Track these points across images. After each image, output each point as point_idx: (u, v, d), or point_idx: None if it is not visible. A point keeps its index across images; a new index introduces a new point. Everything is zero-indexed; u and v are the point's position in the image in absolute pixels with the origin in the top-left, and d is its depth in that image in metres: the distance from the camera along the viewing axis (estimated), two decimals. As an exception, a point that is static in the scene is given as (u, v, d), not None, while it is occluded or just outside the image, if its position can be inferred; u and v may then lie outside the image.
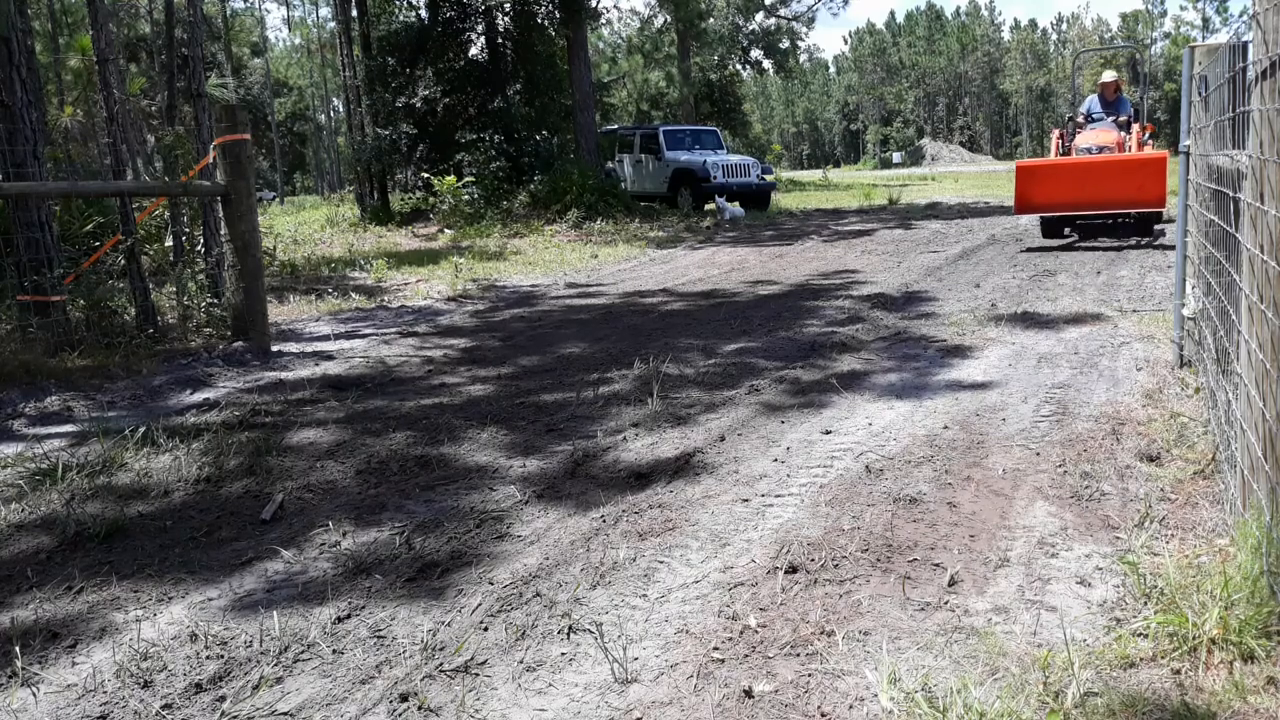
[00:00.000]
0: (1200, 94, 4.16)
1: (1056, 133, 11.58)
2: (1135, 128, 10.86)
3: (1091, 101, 11.45)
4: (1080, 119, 11.40)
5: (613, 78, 37.86)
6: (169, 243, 8.16)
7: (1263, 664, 1.97)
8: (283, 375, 5.62)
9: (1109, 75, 11.52)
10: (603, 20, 33.07)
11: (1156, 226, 10.53)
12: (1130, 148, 10.61)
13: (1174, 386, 4.24)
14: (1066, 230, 10.96)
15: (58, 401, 5.01)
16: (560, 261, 11.91)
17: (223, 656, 2.30)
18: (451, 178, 18.08)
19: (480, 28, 21.10)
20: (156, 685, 2.18)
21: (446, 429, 4.23)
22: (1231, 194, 2.94)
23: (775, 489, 3.28)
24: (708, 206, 19.38)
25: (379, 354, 6.18)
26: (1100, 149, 10.25)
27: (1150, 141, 11.14)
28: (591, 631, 2.32)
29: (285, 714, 2.05)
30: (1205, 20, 63.79)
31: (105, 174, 10.08)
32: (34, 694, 2.18)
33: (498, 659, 2.23)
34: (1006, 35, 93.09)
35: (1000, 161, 59.79)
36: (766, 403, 4.45)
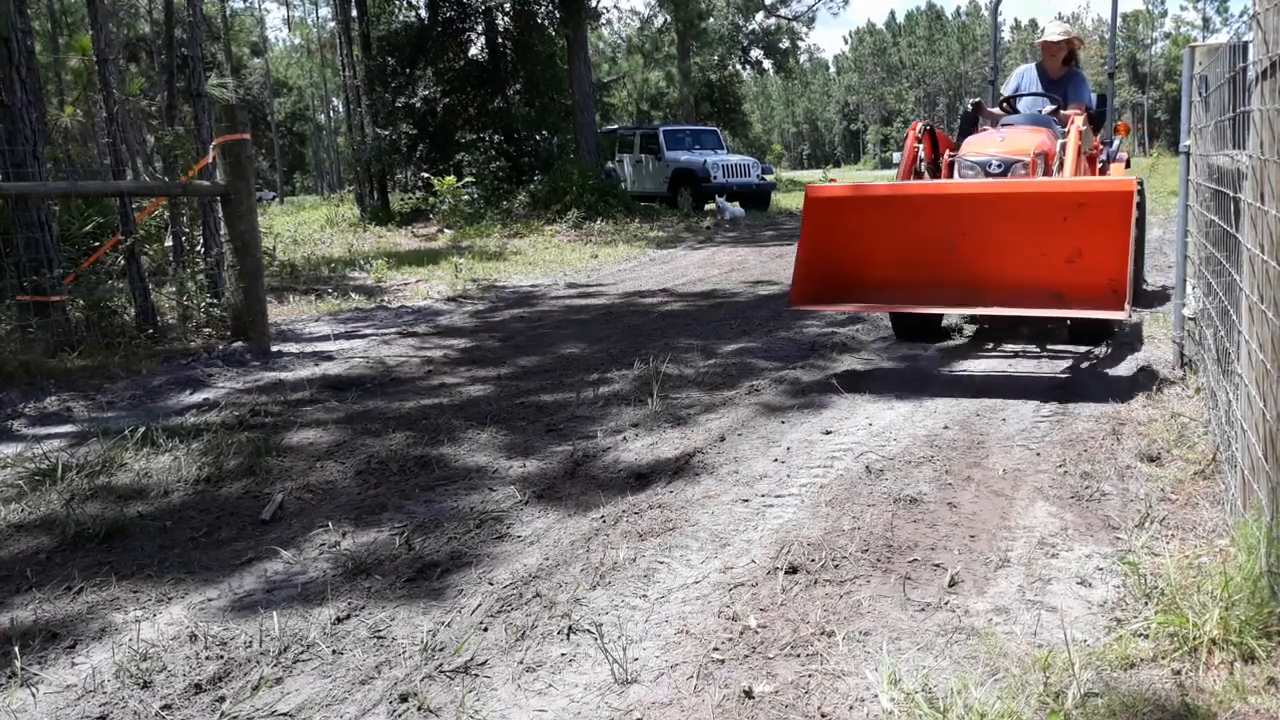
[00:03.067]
0: (1200, 94, 4.15)
1: (914, 129, 5.74)
2: (1076, 125, 5.43)
3: (1024, 76, 6.39)
4: (996, 108, 6.25)
5: (613, 78, 37.86)
6: (169, 243, 8.16)
7: (1263, 664, 1.97)
8: (282, 375, 5.62)
9: (1054, 30, 6.27)
10: (603, 20, 33.08)
11: (1129, 314, 4.42)
12: (1066, 166, 5.22)
13: (1174, 386, 4.24)
14: (957, 319, 5.94)
15: (57, 402, 5.01)
16: (560, 261, 11.91)
17: (222, 657, 2.30)
18: (451, 178, 18.08)
19: (480, 28, 21.11)
20: (156, 686, 2.18)
21: (446, 429, 4.23)
22: (1232, 194, 2.94)
23: (775, 489, 3.28)
24: (708, 206, 19.39)
25: (378, 354, 6.18)
26: (1004, 165, 5.19)
27: (1121, 155, 6.46)
28: (591, 632, 2.32)
29: (285, 714, 2.05)
30: (1205, 20, 63.82)
31: (105, 174, 10.07)
32: (33, 694, 2.18)
33: (497, 659, 2.22)
34: (1007, 35, 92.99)
35: (1000, 161, 59.68)
36: (766, 403, 4.45)
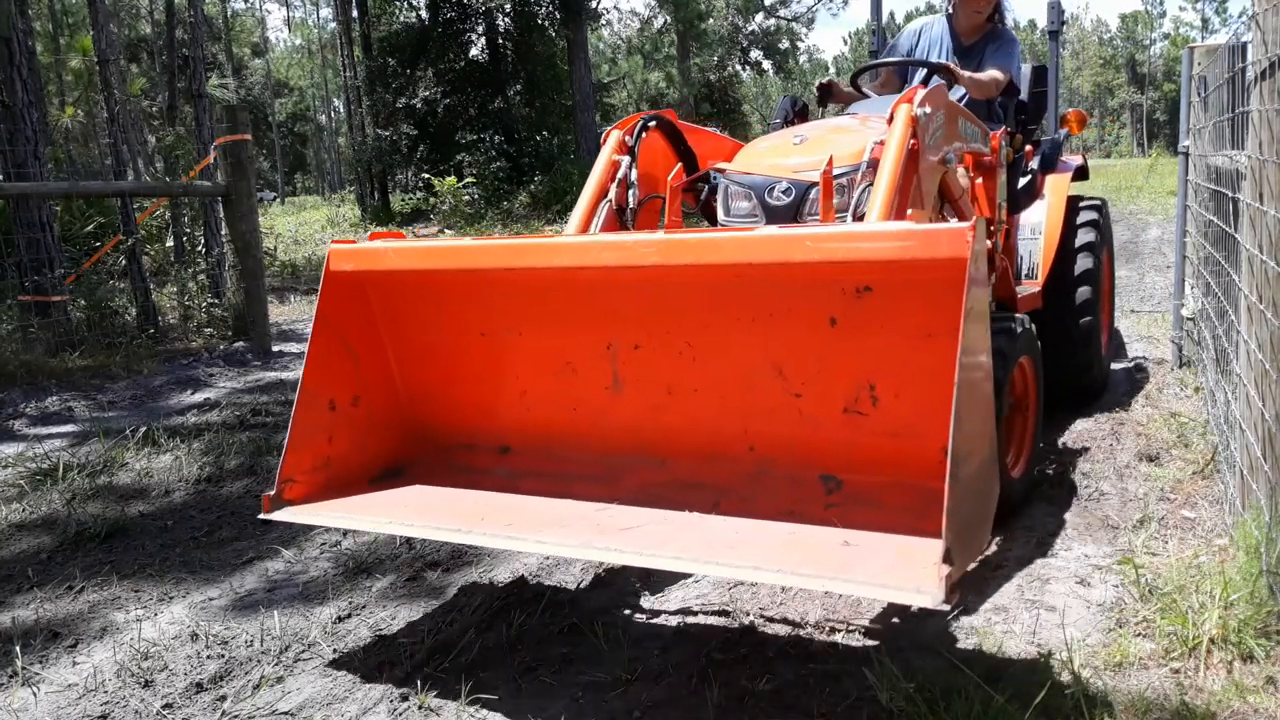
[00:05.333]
0: (1199, 94, 4.16)
1: (623, 127, 3.19)
2: (906, 109, 2.67)
3: (921, 35, 4.17)
4: (853, 87, 3.97)
5: (613, 78, 37.87)
6: (170, 243, 8.17)
7: (1262, 664, 1.98)
8: (283, 375, 5.62)
9: None
10: (603, 21, 33.13)
11: (945, 587, 1.59)
12: (877, 195, 2.47)
13: (1173, 386, 4.24)
14: None
15: (58, 401, 5.02)
16: (560, 262, 11.89)
17: (223, 656, 2.30)
18: (452, 178, 18.10)
19: (480, 28, 21.12)
20: (157, 685, 2.19)
21: (447, 429, 4.23)
22: (1231, 194, 2.94)
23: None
24: (708, 207, 19.37)
25: (379, 354, 6.18)
26: (796, 189, 2.88)
27: (1070, 162, 4.36)
28: (592, 631, 2.32)
29: (286, 714, 2.06)
30: (1204, 21, 63.82)
31: (106, 174, 10.09)
32: (35, 693, 2.18)
33: (498, 659, 2.23)
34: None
35: (1000, 162, 59.48)
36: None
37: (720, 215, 3.12)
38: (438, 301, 2.50)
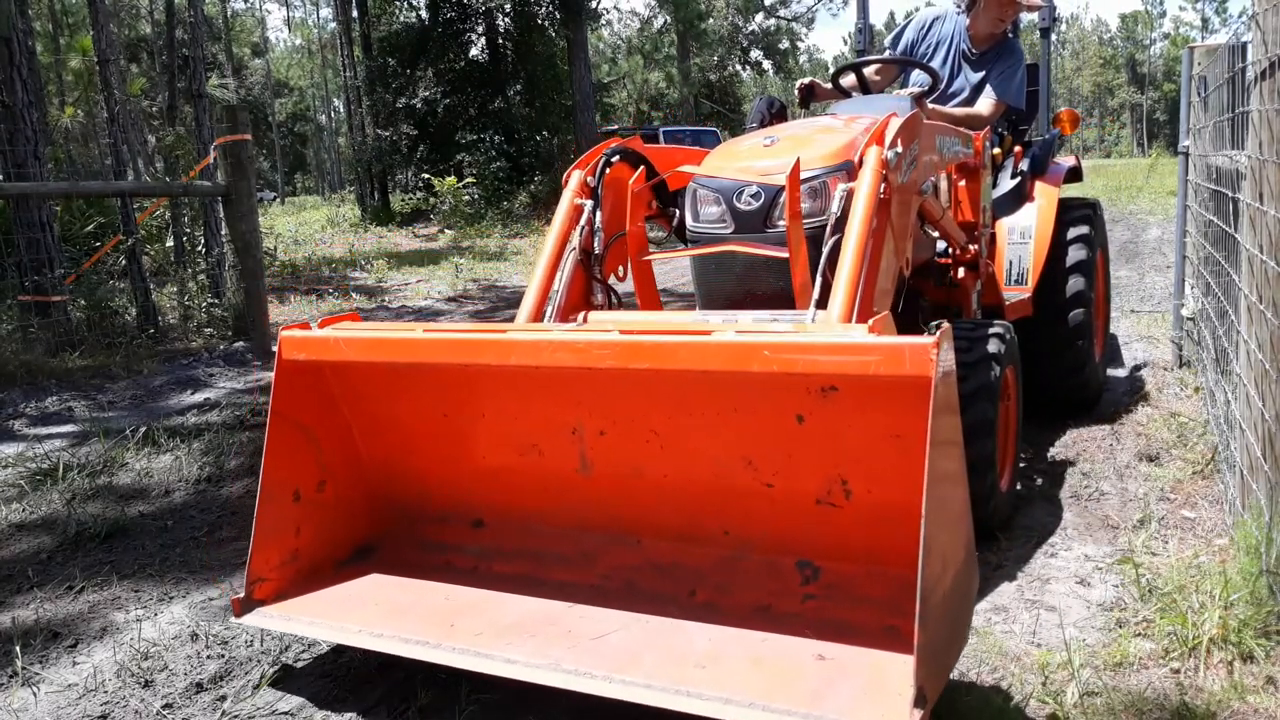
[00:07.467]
0: (1199, 94, 4.17)
1: (585, 165, 3.05)
2: (874, 158, 2.53)
3: (930, 28, 4.07)
4: (834, 83, 3.84)
5: (613, 78, 37.88)
6: (170, 243, 8.17)
7: (1262, 664, 1.98)
8: (283, 375, 5.62)
9: None
10: (603, 21, 33.14)
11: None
12: (846, 247, 2.40)
13: (1173, 386, 4.24)
14: None
15: (58, 401, 5.02)
16: (560, 262, 11.89)
17: (223, 656, 2.30)
18: (452, 178, 18.12)
19: (480, 28, 21.13)
20: (157, 685, 2.19)
21: (447, 429, 4.23)
22: (1231, 194, 2.95)
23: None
24: (708, 207, 19.34)
25: (379, 354, 6.18)
26: (763, 194, 2.78)
27: (1063, 164, 4.21)
28: (592, 631, 2.31)
29: (286, 714, 2.06)
30: (1204, 21, 63.84)
31: (106, 174, 10.09)
32: (35, 693, 2.18)
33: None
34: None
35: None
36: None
37: (689, 221, 2.98)
38: (395, 385, 2.45)
